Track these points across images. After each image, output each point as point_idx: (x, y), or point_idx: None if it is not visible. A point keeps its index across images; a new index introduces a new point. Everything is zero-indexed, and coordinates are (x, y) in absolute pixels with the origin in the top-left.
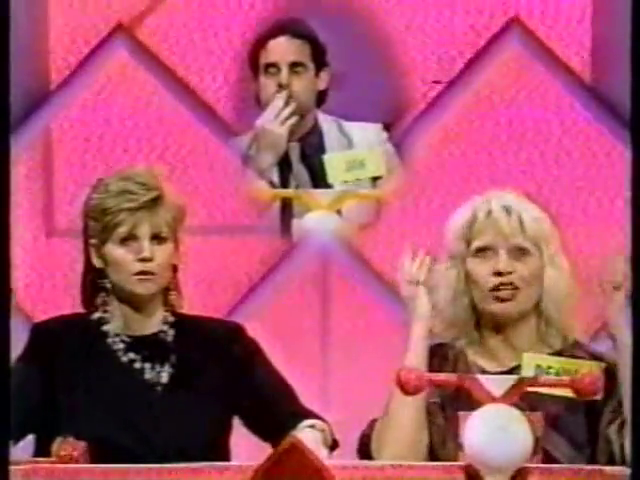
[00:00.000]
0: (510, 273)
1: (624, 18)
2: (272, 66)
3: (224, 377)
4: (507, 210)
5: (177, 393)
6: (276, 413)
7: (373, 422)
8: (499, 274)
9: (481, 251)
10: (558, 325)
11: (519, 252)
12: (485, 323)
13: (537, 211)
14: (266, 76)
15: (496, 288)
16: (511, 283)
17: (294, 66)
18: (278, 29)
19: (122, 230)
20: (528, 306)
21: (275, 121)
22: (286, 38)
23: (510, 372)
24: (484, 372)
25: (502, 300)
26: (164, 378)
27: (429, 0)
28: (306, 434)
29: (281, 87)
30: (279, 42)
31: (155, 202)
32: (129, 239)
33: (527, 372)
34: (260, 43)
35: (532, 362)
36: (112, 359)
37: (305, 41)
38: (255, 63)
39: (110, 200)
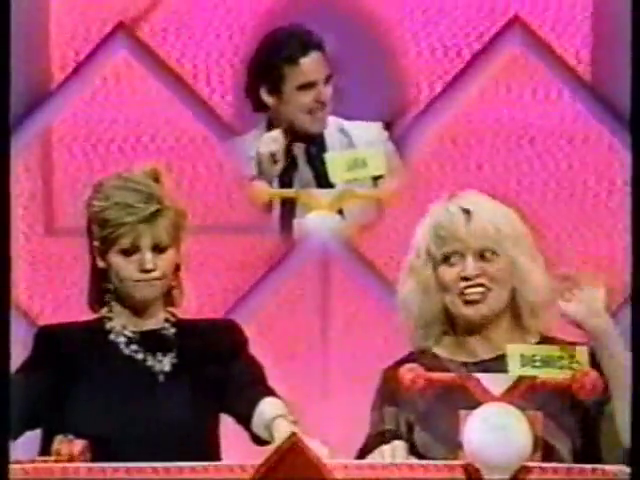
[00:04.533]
0: (478, 276)
1: (624, 18)
2: (308, 84)
3: (216, 367)
4: (467, 213)
5: (179, 381)
6: (242, 391)
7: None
8: (466, 279)
9: (448, 257)
10: (533, 320)
11: (485, 253)
12: (459, 324)
13: (500, 210)
14: (302, 94)
15: (464, 292)
16: (481, 284)
17: (327, 79)
18: (306, 45)
19: (124, 242)
20: (500, 305)
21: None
22: (316, 54)
23: (489, 362)
24: (463, 364)
25: (472, 302)
26: (166, 367)
27: (429, 0)
28: (280, 426)
29: (322, 104)
30: (312, 59)
31: (156, 214)
32: (131, 250)
33: (512, 362)
34: (287, 60)
35: (516, 352)
36: (115, 352)
37: (321, 51)
38: (276, 78)
39: (111, 212)
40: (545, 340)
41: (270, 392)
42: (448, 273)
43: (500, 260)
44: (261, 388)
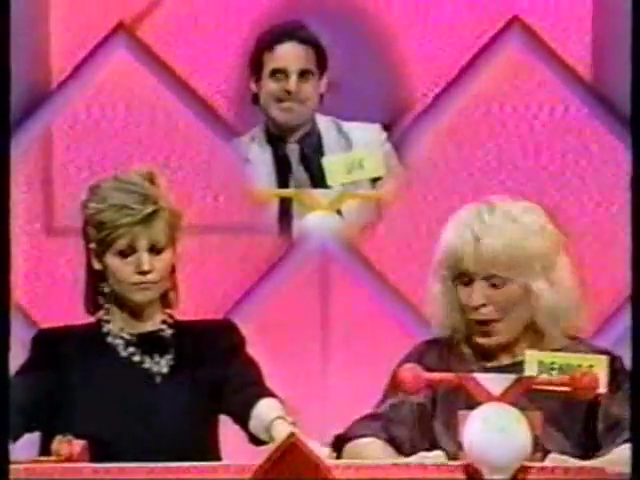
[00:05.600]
0: (484, 305)
1: (624, 17)
2: (279, 72)
3: (214, 368)
4: (477, 239)
5: (177, 382)
6: (240, 392)
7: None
8: (475, 308)
9: (459, 277)
10: (556, 331)
11: (494, 280)
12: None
13: (519, 228)
14: (272, 81)
15: (478, 322)
16: (489, 320)
17: (302, 73)
18: (285, 34)
19: (120, 243)
20: (512, 334)
21: None
22: (294, 44)
23: (507, 368)
24: (482, 368)
25: (484, 335)
26: (164, 368)
27: (429, 0)
28: (279, 427)
29: (289, 93)
30: (287, 48)
31: (152, 215)
32: (127, 251)
33: (529, 369)
34: (265, 47)
35: (534, 359)
36: (113, 354)
37: (310, 47)
38: (257, 65)
39: (107, 214)
40: (567, 346)
41: (267, 392)
42: (462, 293)
43: (511, 287)
44: (258, 389)
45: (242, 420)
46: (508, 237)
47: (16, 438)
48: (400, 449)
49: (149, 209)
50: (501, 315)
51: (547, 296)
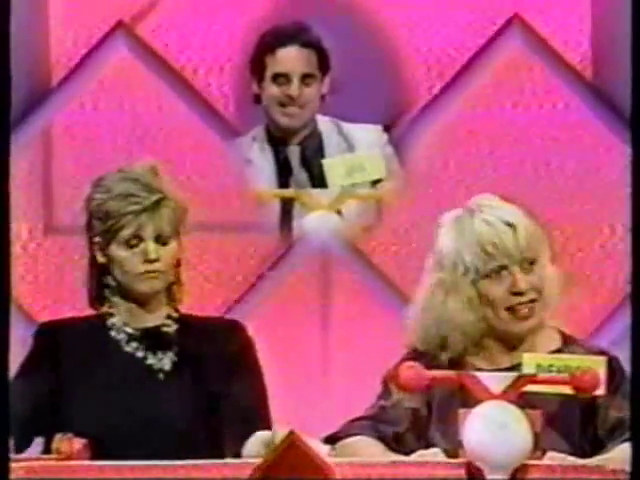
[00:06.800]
0: (527, 290)
1: (624, 16)
2: (282, 76)
3: (218, 370)
4: (511, 226)
5: (179, 380)
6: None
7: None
8: (519, 294)
9: (492, 273)
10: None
11: (525, 265)
12: (499, 338)
13: (523, 214)
14: (274, 84)
15: (516, 308)
16: (531, 300)
17: (304, 77)
18: (287, 37)
19: (126, 232)
20: (544, 315)
21: None
22: (296, 48)
23: (507, 370)
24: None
25: (523, 318)
26: (167, 365)
27: (429, 0)
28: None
29: (291, 98)
30: (289, 52)
31: (158, 204)
32: (133, 241)
33: (528, 371)
34: (267, 49)
35: (532, 362)
36: (115, 349)
37: (313, 50)
38: (259, 67)
39: (113, 203)
40: (566, 341)
41: (265, 421)
42: (495, 289)
43: (537, 268)
44: (256, 418)
45: (234, 454)
46: (526, 220)
47: (22, 442)
48: (390, 447)
49: (155, 197)
50: (538, 297)
51: (554, 274)
